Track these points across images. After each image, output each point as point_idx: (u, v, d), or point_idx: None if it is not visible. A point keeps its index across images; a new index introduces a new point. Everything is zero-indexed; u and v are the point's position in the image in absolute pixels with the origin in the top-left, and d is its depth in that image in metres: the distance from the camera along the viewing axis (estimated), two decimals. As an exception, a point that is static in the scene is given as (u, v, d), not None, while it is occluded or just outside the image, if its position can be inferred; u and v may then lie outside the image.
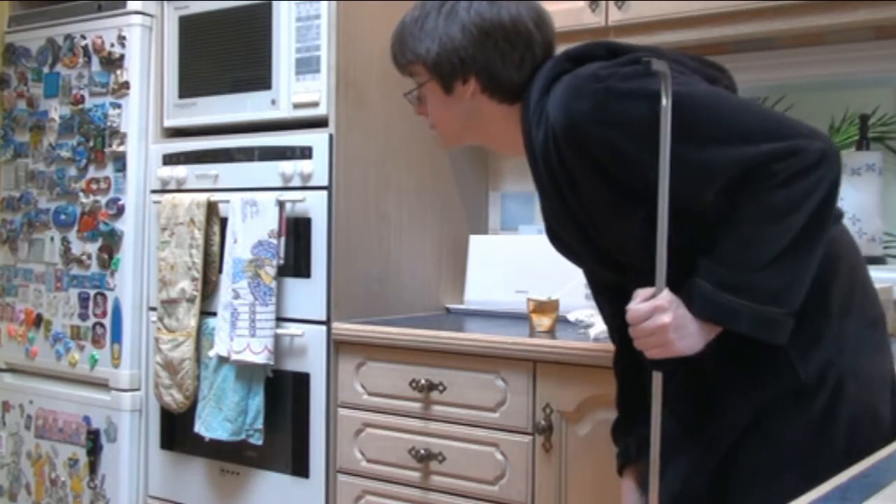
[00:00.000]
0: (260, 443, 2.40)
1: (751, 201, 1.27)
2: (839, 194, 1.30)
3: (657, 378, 1.37)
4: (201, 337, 2.52)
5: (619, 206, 1.37)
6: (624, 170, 1.33)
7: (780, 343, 1.28)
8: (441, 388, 2.17)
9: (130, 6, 2.72)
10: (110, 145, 2.73)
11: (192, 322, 2.51)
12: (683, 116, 1.25)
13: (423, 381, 2.18)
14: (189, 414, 2.51)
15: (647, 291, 1.32)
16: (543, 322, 2.15)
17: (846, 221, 2.09)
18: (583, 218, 1.43)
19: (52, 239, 2.87)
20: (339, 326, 2.34)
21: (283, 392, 2.41)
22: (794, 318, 1.28)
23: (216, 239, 2.53)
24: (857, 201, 2.20)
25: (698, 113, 1.28)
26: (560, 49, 1.49)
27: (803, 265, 1.27)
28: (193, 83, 2.67)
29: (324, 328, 2.36)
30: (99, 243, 2.74)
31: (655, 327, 1.29)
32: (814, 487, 1.27)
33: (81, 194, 2.79)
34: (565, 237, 1.54)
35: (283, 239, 2.40)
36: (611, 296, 1.62)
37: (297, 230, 2.41)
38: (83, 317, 2.78)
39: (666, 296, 1.30)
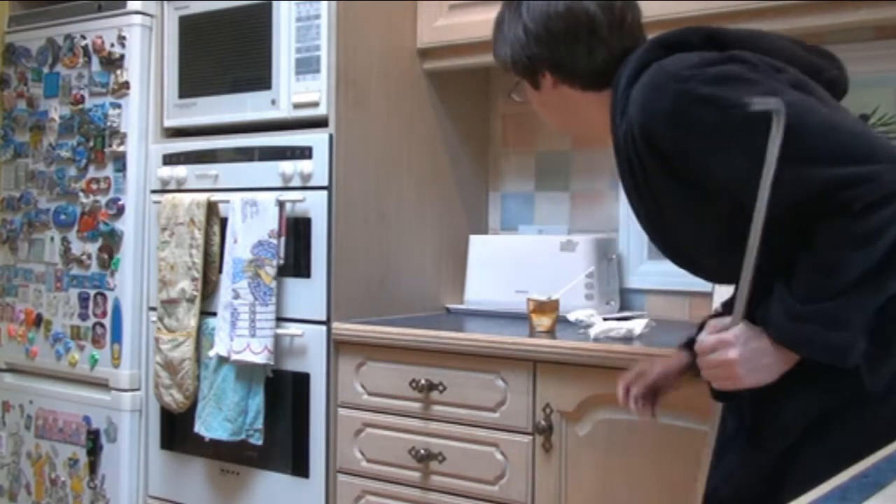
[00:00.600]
0: (260, 443, 2.40)
1: (827, 227, 1.23)
2: None
3: (717, 409, 1.38)
4: (201, 337, 2.52)
5: (688, 205, 1.36)
6: (694, 172, 1.32)
7: (849, 366, 1.26)
8: (441, 388, 2.17)
9: (130, 6, 2.72)
10: (110, 145, 2.73)
11: (192, 322, 2.51)
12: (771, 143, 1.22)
13: (423, 381, 2.18)
14: (189, 414, 2.52)
15: (721, 323, 1.32)
16: (543, 322, 2.15)
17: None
18: (654, 211, 1.42)
19: (52, 239, 2.87)
20: (339, 326, 2.34)
21: (283, 392, 2.42)
22: (864, 339, 1.26)
23: (216, 239, 2.53)
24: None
25: (786, 128, 1.22)
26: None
27: (876, 295, 1.25)
28: (193, 83, 2.67)
29: (324, 328, 2.36)
30: (99, 243, 2.74)
31: (720, 361, 1.30)
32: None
33: (81, 194, 2.79)
34: (642, 223, 1.51)
35: (283, 239, 2.40)
36: None
37: (297, 230, 2.41)
38: (83, 317, 2.78)
39: (736, 330, 1.29)
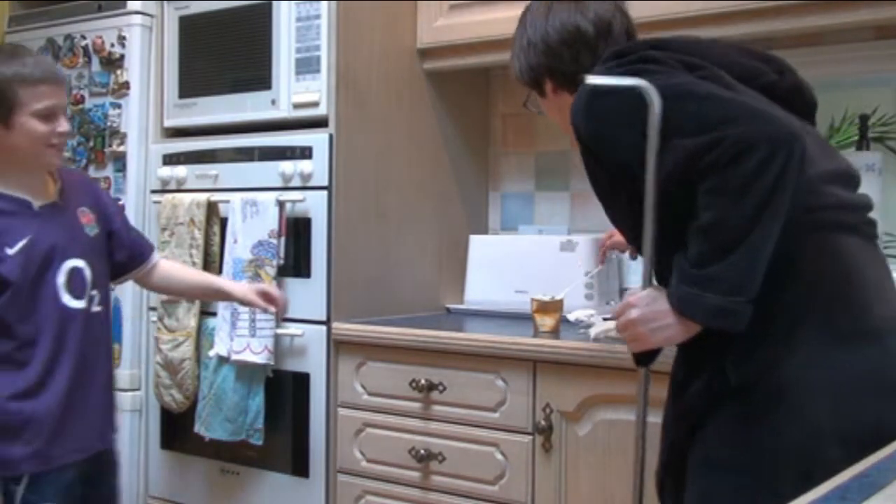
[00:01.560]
0: (260, 443, 2.40)
1: (701, 192, 1.32)
2: (789, 182, 1.28)
3: (641, 375, 1.51)
4: (201, 337, 2.52)
5: (615, 194, 1.50)
6: (609, 161, 1.46)
7: (738, 330, 1.32)
8: (441, 388, 2.17)
9: (130, 6, 2.72)
10: (110, 145, 2.73)
11: (192, 322, 2.51)
12: (649, 115, 1.34)
13: (423, 381, 2.18)
14: (189, 414, 2.51)
15: (634, 290, 1.44)
16: (547, 322, 2.15)
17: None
18: (604, 200, 1.57)
19: (52, 239, 2.86)
20: (339, 326, 2.34)
21: (283, 392, 2.42)
22: (750, 306, 1.31)
23: (216, 239, 2.53)
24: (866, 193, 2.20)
25: (664, 107, 1.34)
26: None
27: (754, 252, 1.30)
28: (193, 83, 2.67)
29: (324, 328, 2.36)
30: (99, 243, 2.74)
31: (625, 322, 1.41)
32: (739, 492, 1.32)
33: (81, 194, 2.78)
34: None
35: (283, 239, 2.40)
36: None
37: (297, 230, 2.41)
38: None
39: (640, 293, 1.41)
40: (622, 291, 2.59)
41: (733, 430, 1.38)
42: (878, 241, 1.52)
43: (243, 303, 2.18)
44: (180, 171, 2.64)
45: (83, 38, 2.81)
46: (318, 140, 2.39)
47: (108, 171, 2.74)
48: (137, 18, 2.72)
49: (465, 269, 2.71)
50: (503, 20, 2.45)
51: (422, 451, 2.18)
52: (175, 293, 2.36)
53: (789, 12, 2.08)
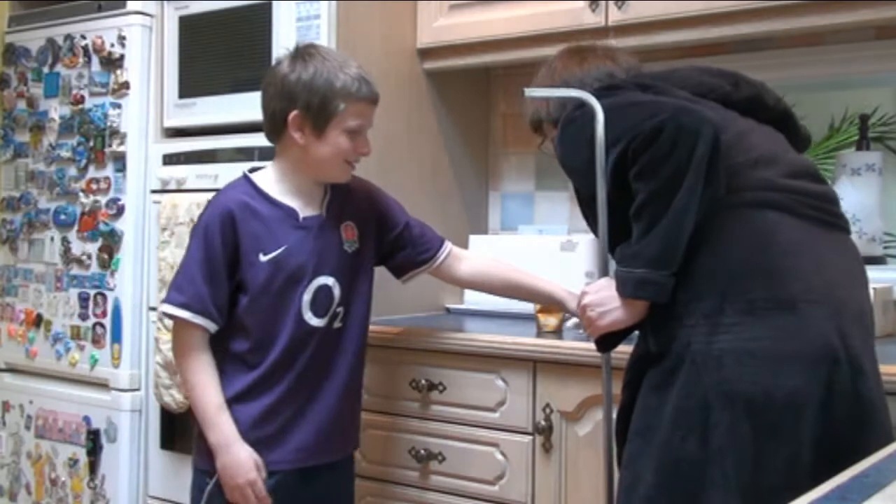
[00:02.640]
0: (260, 443, 2.40)
1: (632, 185, 1.46)
2: (699, 164, 1.39)
3: (603, 360, 1.67)
4: (201, 337, 2.51)
5: (587, 210, 1.67)
6: (575, 180, 1.67)
7: (663, 301, 1.45)
8: (441, 388, 2.17)
9: (130, 6, 2.72)
10: (110, 145, 2.73)
11: (192, 322, 2.51)
12: (595, 126, 1.52)
13: (423, 381, 2.18)
14: (189, 414, 2.51)
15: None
16: (550, 322, 2.15)
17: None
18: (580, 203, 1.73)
19: (52, 239, 2.87)
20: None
21: (283, 392, 2.41)
22: (674, 278, 1.44)
23: (216, 239, 2.53)
24: (857, 201, 2.20)
25: (606, 123, 1.51)
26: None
27: (670, 229, 1.42)
28: (193, 83, 2.66)
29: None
30: (99, 243, 2.74)
31: (580, 309, 1.59)
32: (663, 454, 1.43)
33: (81, 194, 2.79)
34: None
35: (283, 239, 2.39)
36: None
37: (297, 230, 2.40)
38: (83, 317, 2.78)
39: (595, 282, 1.58)
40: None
41: (647, 398, 1.49)
42: (844, 232, 1.56)
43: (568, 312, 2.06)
44: (180, 171, 2.64)
45: (83, 38, 2.81)
46: (318, 140, 2.39)
47: (108, 171, 2.74)
48: (137, 18, 2.72)
49: (465, 269, 2.70)
50: (503, 20, 2.46)
51: (422, 451, 2.18)
52: (491, 291, 2.17)
53: (789, 12, 2.08)
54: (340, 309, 1.92)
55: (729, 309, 1.41)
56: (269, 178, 1.91)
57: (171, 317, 1.86)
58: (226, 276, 1.84)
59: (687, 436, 1.41)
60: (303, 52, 1.87)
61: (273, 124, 1.88)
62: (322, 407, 1.91)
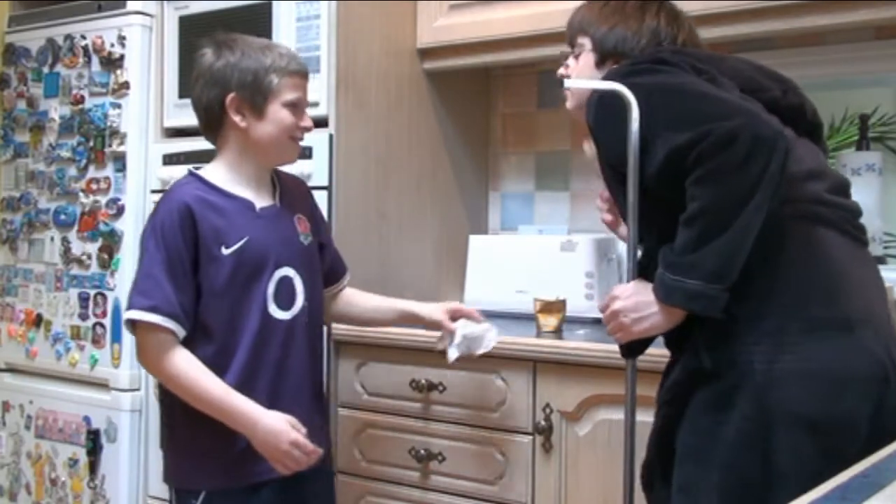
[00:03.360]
0: (260, 443, 2.39)
1: (689, 183, 1.37)
2: (772, 178, 1.33)
3: (628, 366, 1.57)
4: (201, 337, 2.51)
5: (612, 182, 1.57)
6: (607, 148, 1.53)
7: (715, 315, 1.37)
8: (441, 388, 2.17)
9: (130, 6, 2.72)
10: (110, 145, 2.73)
11: (192, 322, 2.51)
12: (648, 102, 1.41)
13: (423, 381, 2.18)
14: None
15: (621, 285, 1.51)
16: (550, 322, 2.15)
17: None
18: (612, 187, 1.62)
19: (52, 239, 2.87)
20: (339, 326, 2.34)
21: (283, 392, 2.41)
22: (727, 293, 1.36)
23: (216, 239, 2.53)
24: (857, 201, 2.20)
25: (661, 100, 1.42)
26: None
27: (734, 242, 1.35)
28: (193, 83, 2.66)
29: (324, 328, 2.36)
30: (99, 243, 2.74)
31: (609, 314, 1.49)
32: (726, 478, 1.37)
33: (81, 194, 2.79)
34: None
35: (283, 239, 2.39)
36: None
37: (297, 230, 2.40)
38: (83, 317, 2.78)
39: (624, 285, 1.49)
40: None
41: (702, 418, 1.42)
42: (868, 246, 1.54)
43: (430, 326, 2.00)
44: (180, 171, 2.62)
45: (83, 38, 2.81)
46: (318, 140, 2.39)
47: (108, 171, 2.74)
48: (137, 18, 2.72)
49: (465, 269, 2.71)
50: (503, 20, 2.46)
51: (422, 451, 2.18)
52: (356, 322, 2.13)
53: (789, 12, 2.08)
54: (307, 303, 1.87)
55: (790, 328, 1.37)
56: (217, 172, 1.86)
57: (138, 323, 1.75)
58: (191, 275, 1.77)
59: (750, 459, 1.36)
60: (225, 41, 1.85)
61: (210, 115, 1.85)
62: (302, 403, 1.85)
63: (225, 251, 1.78)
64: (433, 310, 2.00)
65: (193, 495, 1.80)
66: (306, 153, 2.40)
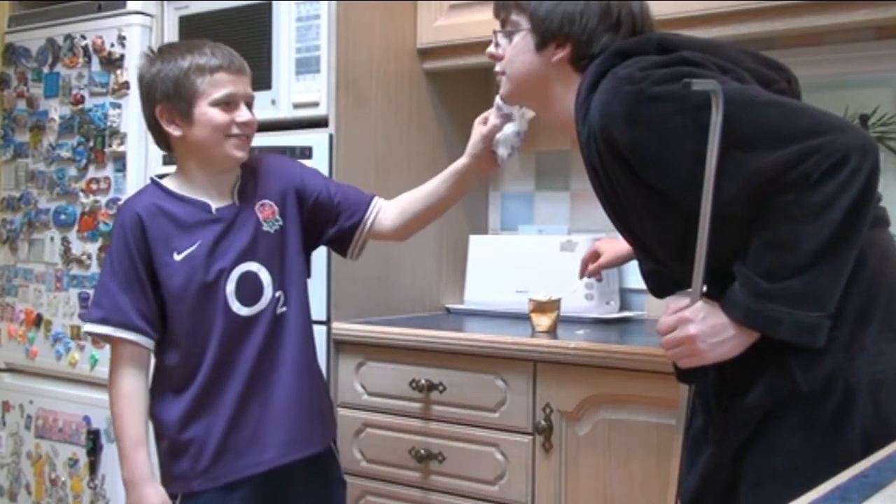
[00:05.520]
0: (260, 443, 2.39)
1: (782, 203, 1.26)
2: (876, 190, 1.26)
3: (683, 391, 1.43)
4: (201, 337, 2.51)
5: (649, 206, 1.40)
6: (653, 172, 1.35)
7: (819, 346, 1.28)
8: (441, 388, 2.17)
9: (130, 6, 2.72)
10: (110, 145, 2.73)
11: (192, 322, 2.51)
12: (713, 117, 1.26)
13: (423, 381, 2.18)
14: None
15: (678, 303, 1.36)
16: (542, 322, 2.15)
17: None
18: (620, 212, 1.47)
19: (52, 239, 2.87)
20: (339, 326, 2.34)
21: (283, 392, 2.41)
22: (830, 320, 1.27)
23: (216, 239, 2.52)
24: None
25: (729, 115, 1.26)
26: None
27: (839, 265, 1.26)
28: (193, 83, 2.66)
29: (324, 328, 2.36)
30: (99, 243, 2.74)
31: (682, 338, 1.34)
32: None
33: (81, 194, 2.79)
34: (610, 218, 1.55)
35: (283, 239, 2.39)
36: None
37: (297, 230, 2.40)
38: (83, 317, 2.78)
39: (695, 307, 1.34)
40: (622, 292, 2.59)
41: (806, 439, 1.32)
42: None
43: (476, 160, 1.94)
44: (180, 171, 2.63)
45: (83, 38, 2.81)
46: (318, 140, 2.39)
47: (108, 171, 2.74)
48: (137, 18, 2.72)
49: (465, 269, 2.71)
50: (503, 20, 2.46)
51: (422, 451, 2.18)
52: (423, 220, 2.04)
53: (789, 12, 2.08)
54: (280, 293, 1.84)
55: (877, 337, 1.32)
56: (176, 178, 1.85)
57: (93, 336, 1.77)
58: (147, 282, 1.77)
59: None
60: (157, 52, 1.83)
61: (152, 129, 1.83)
62: (284, 395, 1.83)
63: (176, 257, 1.78)
64: (468, 148, 1.93)
65: (171, 498, 1.82)
66: (306, 153, 2.40)
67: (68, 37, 2.85)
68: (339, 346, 2.35)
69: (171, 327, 1.80)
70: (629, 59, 1.39)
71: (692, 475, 1.47)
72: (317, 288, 2.37)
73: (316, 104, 2.41)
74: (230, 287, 1.79)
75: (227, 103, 1.77)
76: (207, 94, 1.75)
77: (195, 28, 2.65)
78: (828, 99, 2.25)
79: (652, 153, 1.33)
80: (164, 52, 1.81)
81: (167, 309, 1.80)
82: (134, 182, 2.70)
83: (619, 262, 2.06)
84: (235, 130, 1.78)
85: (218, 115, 1.76)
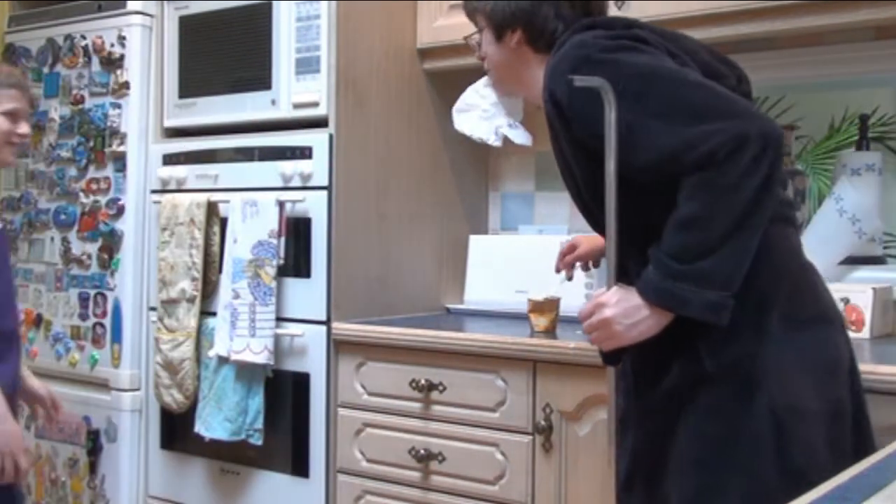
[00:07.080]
0: (259, 443, 2.40)
1: (689, 184, 1.33)
2: (779, 178, 1.33)
3: (610, 373, 1.51)
4: (201, 337, 2.52)
5: (586, 165, 1.47)
6: (585, 131, 1.43)
7: (723, 324, 1.34)
8: (441, 388, 2.17)
9: (130, 6, 2.72)
10: (110, 145, 2.73)
11: (192, 322, 2.51)
12: (640, 86, 1.36)
13: (423, 381, 2.18)
14: (189, 414, 2.51)
15: (598, 291, 1.45)
16: (541, 322, 2.15)
17: (846, 221, 2.10)
18: (564, 168, 1.56)
19: (52, 239, 2.87)
20: (339, 326, 2.34)
21: (283, 392, 2.41)
22: (733, 300, 1.34)
23: (216, 239, 2.53)
24: (857, 201, 2.20)
25: (653, 86, 1.36)
26: None
27: (743, 248, 1.33)
28: (193, 83, 2.67)
29: (324, 328, 2.36)
30: (99, 243, 2.74)
31: (599, 322, 1.42)
32: (747, 482, 1.35)
33: (81, 194, 2.79)
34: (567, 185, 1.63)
35: (283, 239, 2.40)
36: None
37: (297, 230, 2.41)
38: (83, 317, 2.78)
39: (609, 292, 1.42)
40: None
41: (711, 424, 1.39)
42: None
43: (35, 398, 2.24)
44: (180, 171, 2.64)
45: (83, 38, 2.81)
46: (317, 140, 2.39)
47: (108, 171, 2.74)
48: (137, 18, 2.72)
49: (465, 269, 2.71)
50: (503, 20, 2.46)
51: (422, 451, 2.18)
52: None
53: (789, 12, 2.08)
54: None
55: (786, 325, 1.39)
56: None
57: None
58: None
59: (769, 459, 1.35)
60: None
61: None
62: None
63: None
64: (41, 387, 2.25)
65: None
66: (306, 153, 2.40)
67: (68, 37, 2.85)
68: (339, 346, 2.35)
69: None
70: (593, 29, 1.49)
71: (622, 457, 1.54)
72: (317, 288, 2.38)
73: (316, 104, 2.41)
74: None
75: (13, 115, 2.02)
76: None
77: (195, 28, 2.65)
78: (828, 99, 2.26)
79: (587, 114, 1.40)
80: None
81: None
82: (134, 182, 2.70)
83: (595, 254, 2.03)
84: (15, 140, 2.04)
85: (4, 124, 2.01)
